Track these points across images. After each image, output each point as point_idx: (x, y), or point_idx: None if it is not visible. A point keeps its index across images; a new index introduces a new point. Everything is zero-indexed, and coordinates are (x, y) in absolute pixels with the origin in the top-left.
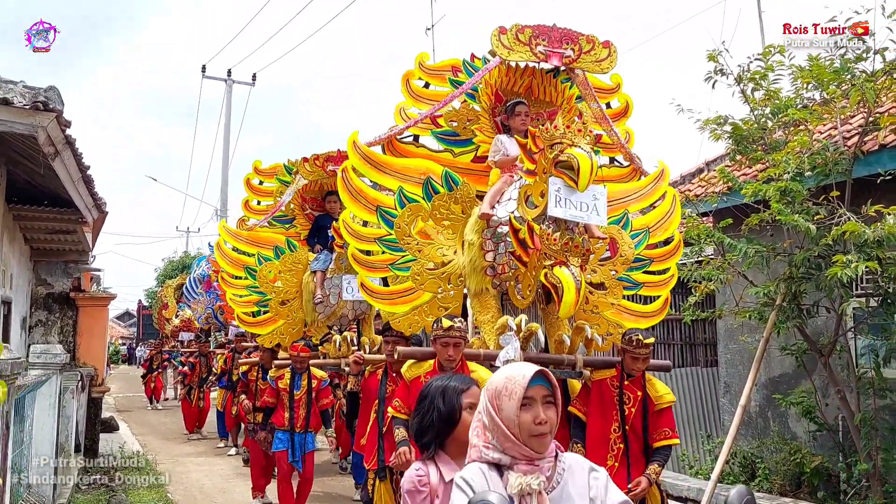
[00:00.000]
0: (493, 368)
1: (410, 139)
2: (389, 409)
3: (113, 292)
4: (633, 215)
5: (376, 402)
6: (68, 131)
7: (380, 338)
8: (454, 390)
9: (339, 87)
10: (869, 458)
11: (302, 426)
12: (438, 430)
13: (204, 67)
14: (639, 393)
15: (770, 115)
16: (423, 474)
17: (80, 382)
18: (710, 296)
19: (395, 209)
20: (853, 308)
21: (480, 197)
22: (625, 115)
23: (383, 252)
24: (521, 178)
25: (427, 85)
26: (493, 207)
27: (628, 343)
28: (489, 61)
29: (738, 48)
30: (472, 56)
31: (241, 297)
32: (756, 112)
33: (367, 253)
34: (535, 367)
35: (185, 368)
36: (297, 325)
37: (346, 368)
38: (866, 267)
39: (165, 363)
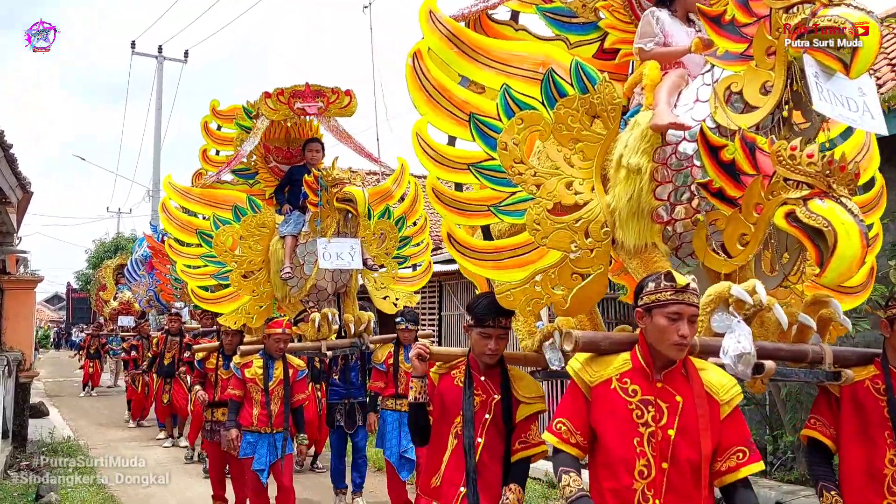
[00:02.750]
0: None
1: (507, 17)
2: (547, 434)
3: (41, 275)
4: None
5: (457, 420)
6: None
7: (367, 314)
8: None
9: (274, 66)
10: (794, 431)
11: (277, 424)
12: None
13: (133, 43)
14: None
15: None
16: None
17: (7, 367)
18: None
19: (499, 119)
20: None
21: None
22: None
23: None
24: (714, 67)
25: None
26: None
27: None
28: None
29: None
30: None
31: (193, 268)
32: None
33: (457, 187)
34: None
35: (132, 354)
36: (265, 302)
37: (329, 353)
38: None
39: (103, 348)
